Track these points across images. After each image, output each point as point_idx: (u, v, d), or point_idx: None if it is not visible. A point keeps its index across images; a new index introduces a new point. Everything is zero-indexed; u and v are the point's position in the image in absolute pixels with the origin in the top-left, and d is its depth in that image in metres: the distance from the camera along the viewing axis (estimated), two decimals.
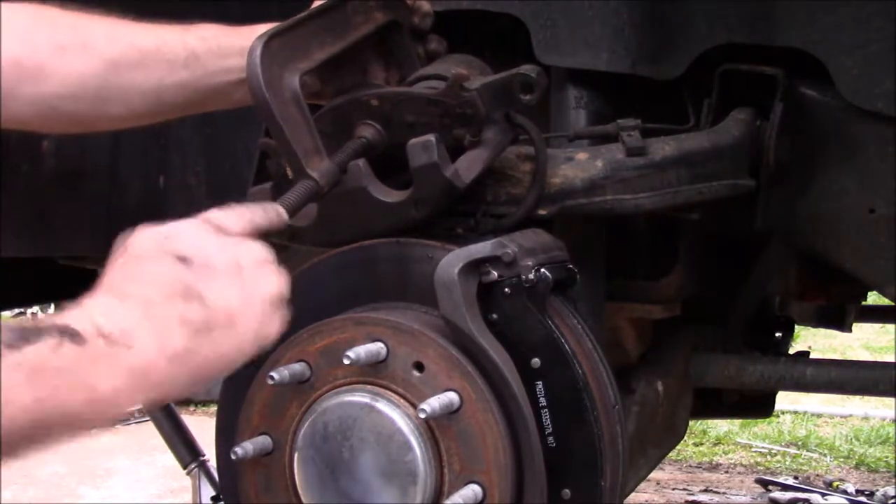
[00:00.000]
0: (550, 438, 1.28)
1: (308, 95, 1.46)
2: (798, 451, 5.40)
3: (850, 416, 6.04)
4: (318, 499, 1.28)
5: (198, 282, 1.05)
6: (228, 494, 1.44)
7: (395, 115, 1.39)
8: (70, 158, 2.04)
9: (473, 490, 1.22)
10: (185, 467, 3.08)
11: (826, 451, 5.40)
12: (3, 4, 1.31)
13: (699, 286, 1.91)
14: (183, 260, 1.05)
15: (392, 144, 1.39)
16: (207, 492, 3.02)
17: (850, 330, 2.72)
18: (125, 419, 5.85)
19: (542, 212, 1.44)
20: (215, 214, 1.12)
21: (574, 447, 1.28)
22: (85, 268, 2.33)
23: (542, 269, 1.29)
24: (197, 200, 1.93)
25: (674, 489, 4.79)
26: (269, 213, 1.17)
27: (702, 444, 5.53)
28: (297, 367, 1.29)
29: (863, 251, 1.60)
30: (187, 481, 3.09)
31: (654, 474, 4.65)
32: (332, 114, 1.43)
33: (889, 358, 5.87)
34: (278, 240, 1.21)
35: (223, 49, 1.42)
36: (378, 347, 1.25)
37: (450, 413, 1.22)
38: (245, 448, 1.30)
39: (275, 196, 1.32)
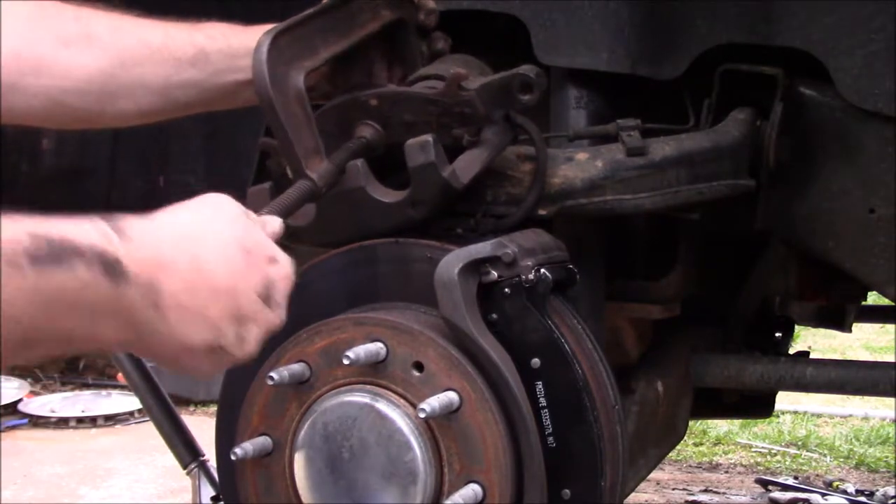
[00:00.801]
0: (550, 438, 1.28)
1: (319, 96, 1.46)
2: (798, 451, 5.40)
3: (850, 416, 6.03)
4: (319, 499, 1.28)
5: (255, 321, 1.05)
6: (229, 495, 1.44)
7: (394, 115, 1.39)
8: (70, 158, 2.04)
9: (473, 490, 1.22)
10: (185, 467, 3.08)
11: (826, 451, 5.40)
12: None
13: (699, 286, 1.91)
14: (266, 297, 1.06)
15: (392, 144, 1.39)
16: (207, 492, 3.01)
17: (850, 330, 2.72)
18: (125, 420, 5.87)
19: (542, 212, 1.44)
20: (263, 221, 1.13)
21: (574, 447, 1.28)
22: None
23: (542, 270, 1.29)
24: None
25: (674, 489, 4.79)
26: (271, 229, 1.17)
27: (702, 444, 5.53)
28: (297, 367, 1.29)
29: (863, 251, 1.60)
30: (187, 481, 3.08)
31: (654, 474, 4.65)
32: (332, 113, 1.43)
33: (889, 358, 5.87)
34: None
35: (233, 48, 1.41)
36: (377, 347, 1.25)
37: (449, 413, 1.23)
38: (245, 449, 1.30)
39: (273, 196, 1.32)
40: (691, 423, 2.32)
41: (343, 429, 1.26)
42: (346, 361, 1.23)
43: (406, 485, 1.23)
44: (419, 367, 1.25)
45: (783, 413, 5.95)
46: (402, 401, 1.25)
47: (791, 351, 2.29)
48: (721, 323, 2.08)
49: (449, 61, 1.51)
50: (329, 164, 1.33)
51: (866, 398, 5.46)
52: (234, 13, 1.59)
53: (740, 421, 5.50)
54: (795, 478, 4.86)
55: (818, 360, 2.01)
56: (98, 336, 0.96)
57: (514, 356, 1.27)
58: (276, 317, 1.08)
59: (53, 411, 5.94)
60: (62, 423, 5.84)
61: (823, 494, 4.54)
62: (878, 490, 4.66)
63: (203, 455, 3.04)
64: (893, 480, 4.88)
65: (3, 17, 1.29)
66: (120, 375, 5.60)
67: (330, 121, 1.42)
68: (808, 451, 5.41)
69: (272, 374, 1.27)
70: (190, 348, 1.02)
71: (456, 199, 1.37)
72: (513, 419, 1.24)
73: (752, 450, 5.48)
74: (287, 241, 1.35)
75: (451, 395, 1.23)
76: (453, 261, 1.26)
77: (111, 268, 0.92)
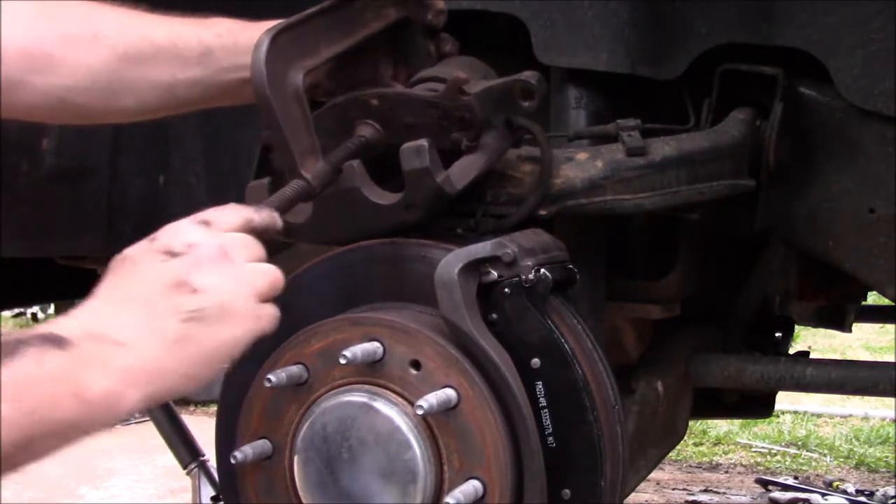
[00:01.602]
0: (550, 438, 1.28)
1: (323, 94, 1.46)
2: (798, 451, 5.40)
3: (850, 416, 6.04)
4: (319, 500, 1.28)
5: (187, 272, 1.06)
6: (229, 496, 1.44)
7: (394, 116, 1.39)
8: (70, 157, 2.04)
9: (474, 486, 1.22)
10: (184, 467, 3.08)
11: (826, 451, 5.40)
12: None
13: (699, 286, 1.91)
14: (171, 253, 1.06)
15: (391, 144, 1.39)
16: (207, 492, 3.02)
17: (850, 330, 2.71)
18: (125, 420, 5.84)
19: (542, 212, 1.44)
20: (207, 212, 1.12)
21: (574, 447, 1.28)
22: (84, 268, 2.33)
23: (542, 270, 1.29)
24: (197, 199, 1.93)
25: (674, 489, 4.79)
26: (261, 213, 1.17)
27: (702, 444, 5.53)
28: (295, 369, 1.29)
29: (863, 251, 1.60)
30: (187, 481, 3.09)
31: (654, 474, 4.65)
32: (333, 111, 1.43)
33: (889, 358, 5.87)
34: (273, 236, 1.21)
35: (238, 46, 1.41)
36: (374, 347, 1.25)
37: (447, 410, 1.23)
38: (244, 452, 1.30)
39: (272, 191, 1.32)
40: (691, 423, 2.32)
41: (342, 429, 1.26)
42: (342, 361, 1.23)
43: (406, 483, 1.23)
44: (416, 365, 1.25)
45: (783, 413, 5.96)
46: (400, 399, 1.25)
47: (791, 351, 2.29)
48: (721, 323, 2.08)
49: (453, 64, 1.51)
50: (325, 165, 1.33)
51: (866, 398, 5.46)
52: (234, 11, 1.59)
53: (740, 421, 5.50)
54: (795, 478, 4.87)
55: (818, 360, 2.01)
56: (91, 403, 0.97)
57: (514, 356, 1.27)
58: (196, 255, 1.07)
59: None
60: None
61: (823, 494, 4.55)
62: (878, 490, 4.67)
63: (203, 455, 3.05)
64: (893, 480, 4.88)
65: (10, 14, 1.28)
66: None
67: (330, 119, 1.42)
68: (808, 451, 5.41)
69: (270, 376, 1.27)
70: (181, 340, 1.03)
71: (450, 204, 1.37)
72: (513, 419, 1.24)
73: (752, 450, 5.48)
74: (284, 238, 1.35)
75: (449, 393, 1.23)
76: (453, 261, 1.26)
77: (54, 339, 0.96)
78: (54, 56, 1.32)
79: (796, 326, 2.41)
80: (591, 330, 1.36)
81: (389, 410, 1.24)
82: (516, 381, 1.25)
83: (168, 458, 3.31)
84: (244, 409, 1.34)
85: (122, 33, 1.36)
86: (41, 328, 0.98)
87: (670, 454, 3.26)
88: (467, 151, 1.37)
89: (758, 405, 2.29)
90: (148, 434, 4.00)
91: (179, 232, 1.09)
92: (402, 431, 1.24)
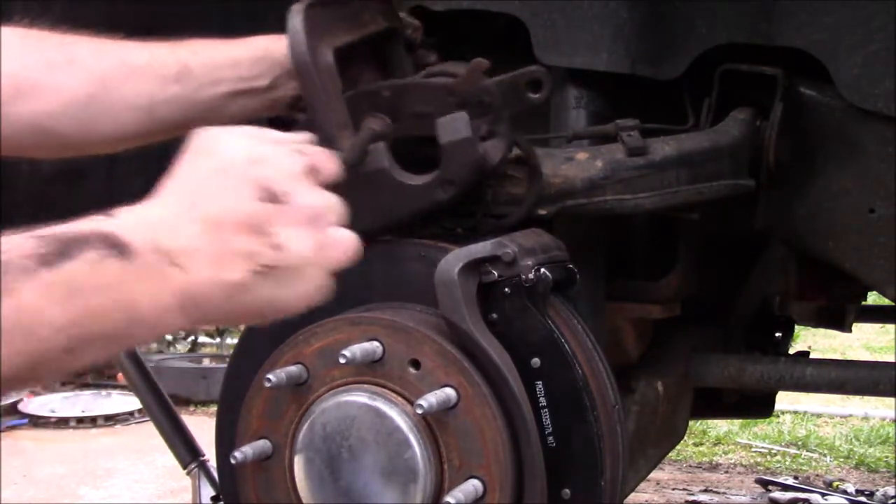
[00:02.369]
0: (550, 438, 1.28)
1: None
2: (798, 451, 5.40)
3: (850, 416, 6.04)
4: (319, 499, 1.28)
5: (276, 222, 1.00)
6: (229, 496, 1.44)
7: (406, 107, 1.37)
8: (70, 158, 2.04)
9: (474, 485, 1.23)
10: (185, 467, 3.08)
11: (826, 451, 5.40)
12: None
13: (699, 286, 1.91)
14: (268, 194, 1.01)
15: (400, 138, 1.37)
16: (207, 492, 3.01)
17: (850, 330, 2.72)
18: (125, 420, 5.87)
19: (542, 212, 1.44)
20: (313, 150, 1.08)
21: (574, 447, 1.28)
22: None
23: (542, 269, 1.29)
24: None
25: (674, 489, 4.79)
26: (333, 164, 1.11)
27: (702, 444, 5.53)
28: (294, 369, 1.29)
29: (863, 251, 1.60)
30: (187, 481, 3.08)
31: (654, 474, 4.65)
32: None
33: (889, 358, 5.86)
34: None
35: (215, 61, 1.39)
36: (374, 346, 1.25)
37: (447, 409, 1.23)
38: (244, 453, 1.30)
39: None
40: (691, 423, 2.32)
41: (342, 429, 1.26)
42: (342, 361, 1.23)
43: (406, 482, 1.23)
44: (416, 364, 1.25)
45: (783, 413, 5.96)
46: (399, 399, 1.25)
47: (791, 351, 2.29)
48: (721, 323, 2.08)
49: (449, 65, 1.51)
50: (357, 140, 1.30)
51: (866, 398, 5.46)
52: (234, 13, 1.59)
53: (740, 421, 5.50)
54: (795, 478, 4.86)
55: (818, 360, 2.01)
56: (139, 319, 0.93)
57: (514, 356, 1.27)
58: (291, 208, 1.02)
59: (53, 411, 5.96)
60: (62, 423, 5.85)
61: (823, 494, 4.55)
62: (878, 490, 4.67)
63: (203, 455, 3.04)
64: (893, 480, 4.88)
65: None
66: (120, 375, 5.61)
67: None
68: (808, 451, 5.41)
69: (269, 376, 1.27)
70: (241, 286, 0.98)
71: (484, 182, 1.35)
72: (513, 418, 1.24)
73: (752, 450, 5.48)
74: None
75: (449, 392, 1.23)
76: (453, 260, 1.26)
77: (116, 244, 0.91)
78: (32, 81, 1.31)
79: (796, 326, 2.41)
80: (591, 330, 1.36)
81: (389, 410, 1.24)
82: (516, 380, 1.25)
83: (168, 458, 3.31)
84: (244, 409, 1.34)
85: (99, 58, 1.35)
86: (106, 223, 0.92)
87: (670, 454, 3.26)
88: (486, 138, 1.36)
89: (758, 405, 2.29)
90: (148, 434, 4.00)
91: (283, 171, 1.03)
92: (401, 431, 1.24)
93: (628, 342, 1.95)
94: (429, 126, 1.33)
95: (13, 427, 5.76)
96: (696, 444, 5.49)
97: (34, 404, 6.05)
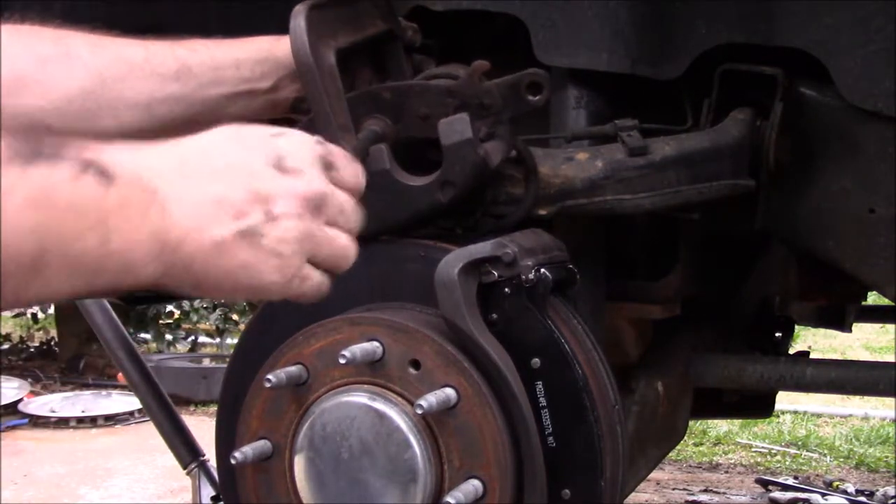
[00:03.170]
0: (550, 438, 1.28)
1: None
2: (798, 451, 5.40)
3: (850, 416, 6.04)
4: (319, 500, 1.28)
5: (277, 193, 0.97)
6: (229, 496, 1.44)
7: (407, 108, 1.37)
8: None
9: (474, 485, 1.23)
10: (185, 467, 3.08)
11: (826, 451, 5.40)
12: None
13: (699, 286, 1.91)
14: (279, 165, 0.98)
15: (402, 139, 1.37)
16: (207, 492, 3.01)
17: (850, 330, 2.72)
18: (125, 420, 5.87)
19: (542, 212, 1.44)
20: (334, 151, 1.05)
21: (574, 447, 1.28)
22: None
23: (542, 270, 1.29)
24: None
25: (674, 489, 4.79)
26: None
27: (702, 444, 5.53)
28: (294, 369, 1.29)
29: (863, 251, 1.60)
30: (187, 481, 3.08)
31: (654, 474, 4.65)
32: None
33: (889, 358, 5.87)
34: None
35: (216, 60, 1.38)
36: (374, 346, 1.25)
37: (447, 409, 1.23)
38: (244, 453, 1.29)
39: None
40: (691, 423, 2.32)
41: (342, 429, 1.26)
42: (342, 361, 1.22)
43: (406, 483, 1.23)
44: (416, 364, 1.25)
45: (783, 413, 5.96)
46: (399, 399, 1.25)
47: (791, 351, 2.29)
48: (721, 323, 2.08)
49: (449, 67, 1.51)
50: (359, 142, 1.30)
51: (866, 398, 5.46)
52: (233, 13, 1.59)
53: (740, 421, 5.50)
54: (795, 478, 4.86)
55: (818, 360, 2.01)
56: (111, 251, 0.87)
57: (514, 356, 1.27)
58: (303, 184, 1.00)
59: (53, 411, 5.95)
60: (62, 423, 5.85)
61: (823, 494, 4.54)
62: (878, 490, 4.66)
63: (203, 455, 3.04)
64: (893, 480, 4.88)
65: None
66: (120, 375, 5.61)
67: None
68: (808, 451, 5.41)
69: (269, 376, 1.27)
70: (221, 244, 0.94)
71: (484, 183, 1.34)
72: (513, 419, 1.24)
73: (752, 450, 5.48)
74: None
75: (449, 392, 1.23)
76: (453, 261, 1.26)
77: (98, 168, 0.86)
78: (28, 77, 1.28)
79: (796, 326, 2.41)
80: (591, 330, 1.36)
81: (389, 410, 1.24)
82: (516, 380, 1.25)
83: (168, 458, 3.30)
84: (244, 409, 1.34)
85: (96, 53, 1.33)
86: (89, 148, 0.87)
87: (670, 454, 3.26)
88: (486, 140, 1.36)
89: (758, 405, 2.29)
90: (148, 434, 4.00)
91: (300, 149, 1.01)
92: (401, 431, 1.24)
93: (628, 342, 1.95)
94: (429, 128, 1.34)
95: (13, 427, 5.76)
96: (696, 444, 5.49)
97: (34, 404, 6.05)
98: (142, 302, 3.55)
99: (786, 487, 4.66)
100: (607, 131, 1.53)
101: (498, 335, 1.27)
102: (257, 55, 1.40)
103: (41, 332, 8.36)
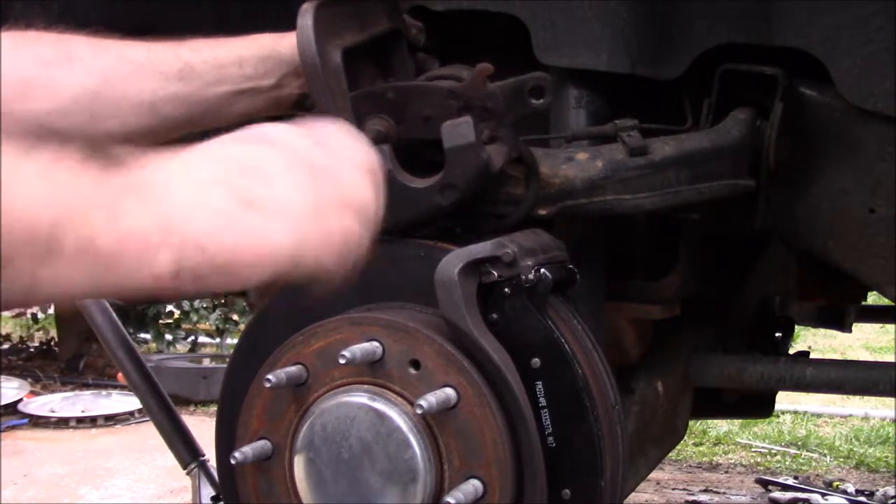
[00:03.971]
0: (550, 438, 1.28)
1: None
2: (798, 451, 5.40)
3: (850, 416, 6.04)
4: (319, 500, 1.28)
5: (272, 163, 0.96)
6: (229, 496, 1.44)
7: (410, 109, 1.37)
8: None
9: (474, 485, 1.22)
10: (185, 467, 3.08)
11: (826, 451, 5.40)
12: None
13: (699, 286, 1.91)
14: (263, 141, 0.98)
15: (404, 140, 1.37)
16: (207, 492, 3.01)
17: (850, 330, 2.72)
18: (125, 421, 5.87)
19: (542, 212, 1.44)
20: (313, 123, 1.05)
21: (574, 447, 1.28)
22: None
23: (542, 270, 1.29)
24: None
25: (674, 489, 4.79)
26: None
27: (702, 444, 5.53)
28: (294, 369, 1.29)
29: (863, 251, 1.60)
30: (187, 481, 3.08)
31: (654, 474, 4.65)
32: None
33: (889, 358, 5.87)
34: None
35: (219, 59, 1.38)
36: (373, 346, 1.25)
37: (447, 409, 1.22)
38: (244, 453, 1.29)
39: None
40: (691, 423, 2.32)
41: (342, 429, 1.26)
42: (342, 361, 1.22)
43: (406, 482, 1.23)
44: (416, 364, 1.25)
45: (783, 413, 5.96)
46: (399, 399, 1.25)
47: (791, 351, 2.29)
48: (721, 323, 2.08)
49: (453, 68, 1.51)
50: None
51: (866, 398, 5.46)
52: (231, 13, 1.59)
53: (740, 421, 5.51)
54: (795, 478, 4.86)
55: (818, 360, 2.01)
56: (121, 232, 0.85)
57: (514, 356, 1.27)
58: (289, 147, 0.98)
59: (53, 411, 5.96)
60: (62, 423, 5.85)
61: (823, 494, 4.55)
62: (878, 490, 4.67)
63: (203, 455, 3.04)
64: (893, 480, 4.88)
65: None
66: (120, 375, 5.62)
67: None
68: (808, 451, 5.41)
69: (269, 376, 1.27)
70: (225, 215, 0.92)
71: (487, 185, 1.35)
72: (513, 419, 1.24)
73: (752, 450, 5.48)
74: None
75: (449, 392, 1.23)
76: (453, 261, 1.26)
77: (101, 154, 0.86)
78: (32, 81, 1.28)
79: (796, 326, 2.41)
80: (591, 330, 1.36)
81: (389, 410, 1.24)
82: (516, 380, 1.25)
83: (168, 458, 3.31)
84: (244, 409, 1.34)
85: (98, 55, 1.33)
86: (91, 144, 0.87)
87: (670, 454, 3.26)
88: (488, 142, 1.36)
89: (758, 405, 2.29)
90: (148, 434, 4.00)
91: (282, 129, 1.00)
92: (401, 431, 1.24)
93: (628, 342, 1.95)
94: (431, 129, 1.34)
95: (13, 427, 5.76)
96: (696, 444, 5.49)
97: (34, 404, 6.05)
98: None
99: (786, 487, 4.67)
100: (607, 131, 1.53)
101: (498, 335, 1.27)
102: (260, 53, 1.39)
103: (41, 332, 8.37)
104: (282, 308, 1.41)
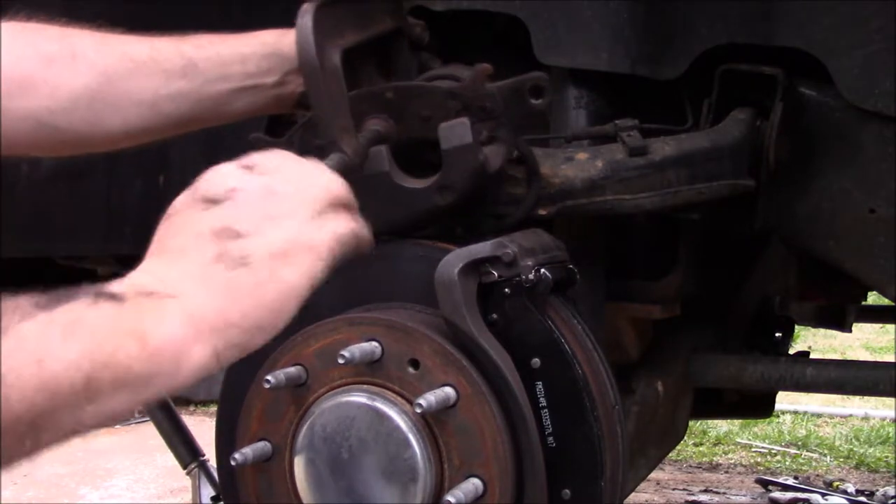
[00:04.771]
0: (550, 438, 1.28)
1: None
2: (798, 451, 5.40)
3: (850, 416, 6.04)
4: (319, 500, 1.28)
5: (229, 217, 0.99)
6: (229, 497, 1.44)
7: (409, 109, 1.37)
8: (69, 158, 2.04)
9: (474, 484, 1.22)
10: (185, 467, 3.08)
11: (826, 451, 5.40)
12: None
13: (699, 286, 1.91)
14: (211, 201, 1.00)
15: (403, 140, 1.37)
16: (207, 492, 3.02)
17: (850, 330, 2.72)
18: (126, 421, 5.87)
19: (542, 212, 1.44)
20: (251, 156, 1.07)
21: (574, 447, 1.28)
22: (84, 268, 2.33)
23: (542, 270, 1.29)
24: None
25: (674, 489, 4.79)
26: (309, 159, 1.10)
27: (702, 444, 5.54)
28: (293, 370, 1.29)
29: (863, 251, 1.60)
30: (187, 481, 3.09)
31: (654, 474, 4.66)
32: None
33: (889, 358, 5.87)
34: None
35: (222, 56, 1.38)
36: (372, 346, 1.25)
37: (446, 408, 1.22)
38: (244, 454, 1.29)
39: None
40: (691, 423, 2.32)
41: (341, 429, 1.26)
42: (341, 361, 1.22)
43: (406, 482, 1.23)
44: (415, 364, 1.25)
45: (783, 413, 5.96)
46: (399, 398, 1.25)
47: (791, 351, 2.29)
48: (721, 323, 2.08)
49: (452, 67, 1.51)
50: (360, 143, 1.30)
51: (866, 398, 5.47)
52: (233, 13, 1.58)
53: (740, 421, 5.51)
54: (795, 478, 4.87)
55: (818, 360, 2.01)
56: (154, 350, 0.90)
57: (514, 356, 1.27)
58: (224, 210, 1.01)
59: None
60: None
61: (823, 494, 4.55)
62: (878, 490, 4.67)
63: (203, 455, 3.05)
64: (893, 480, 4.88)
65: None
66: None
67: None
68: (808, 451, 5.41)
69: (269, 377, 1.27)
70: (230, 287, 0.96)
71: (483, 186, 1.35)
72: (513, 419, 1.24)
73: (752, 450, 5.48)
74: None
75: (448, 391, 1.23)
76: (453, 261, 1.26)
77: (106, 293, 0.90)
78: (34, 78, 1.28)
79: (796, 326, 2.41)
80: (591, 330, 1.35)
81: (389, 410, 1.24)
82: (516, 381, 1.25)
83: (168, 458, 3.31)
84: (244, 410, 1.34)
85: (101, 52, 1.33)
86: (88, 287, 0.90)
87: (670, 454, 3.26)
88: (486, 143, 1.36)
89: (758, 405, 2.29)
90: (148, 434, 4.00)
91: (219, 176, 1.03)
92: (401, 430, 1.24)
93: (628, 342, 1.95)
94: (431, 129, 1.34)
95: None
96: (696, 444, 5.50)
97: None
98: None
99: (786, 487, 4.67)
100: (607, 131, 1.53)
101: (498, 335, 1.27)
102: (263, 50, 1.39)
103: None
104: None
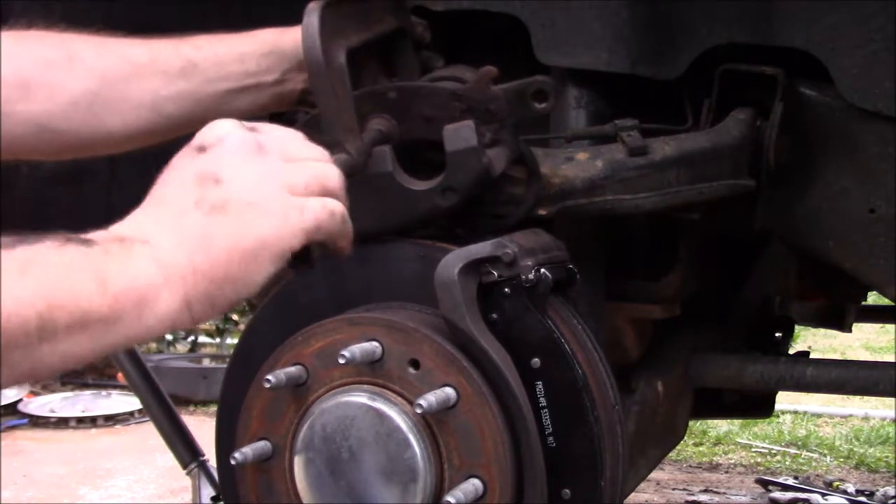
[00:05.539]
0: (550, 438, 1.28)
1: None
2: (798, 451, 5.40)
3: (850, 416, 6.04)
4: (319, 500, 1.28)
5: (213, 163, 0.99)
6: (229, 496, 1.44)
7: (412, 109, 1.37)
8: (72, 159, 2.04)
9: (474, 484, 1.22)
10: (185, 467, 3.08)
11: (826, 451, 5.40)
12: None
13: (699, 286, 1.91)
14: (200, 149, 1.01)
15: (405, 140, 1.37)
16: (207, 492, 3.02)
17: (850, 330, 2.72)
18: (126, 421, 5.87)
19: (542, 212, 1.44)
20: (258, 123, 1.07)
21: (574, 447, 1.28)
22: None
23: (542, 270, 1.29)
24: None
25: (674, 489, 4.79)
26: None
27: (702, 444, 5.53)
28: (293, 370, 1.29)
29: (863, 251, 1.60)
30: (187, 481, 3.09)
31: (654, 474, 4.65)
32: None
33: (889, 358, 5.87)
34: None
35: (221, 56, 1.39)
36: (373, 346, 1.25)
37: (447, 408, 1.22)
38: (244, 454, 1.29)
39: None
40: (691, 423, 2.32)
41: (341, 429, 1.26)
42: (341, 361, 1.22)
43: (406, 482, 1.23)
44: (415, 364, 1.25)
45: (783, 413, 5.96)
46: (399, 399, 1.25)
47: (791, 351, 2.29)
48: (721, 323, 2.08)
49: (456, 68, 1.51)
50: (363, 144, 1.30)
51: (866, 398, 5.46)
52: (233, 13, 1.58)
53: (740, 421, 5.51)
54: (795, 478, 4.86)
55: (818, 360, 2.01)
56: (117, 293, 0.88)
57: (514, 356, 1.26)
58: (231, 141, 1.02)
59: (53, 411, 5.96)
60: (62, 423, 5.85)
61: (823, 494, 4.55)
62: (878, 490, 4.67)
63: (203, 455, 3.05)
64: (893, 480, 4.88)
65: None
66: (120, 375, 5.62)
67: None
68: (808, 451, 5.41)
69: (269, 377, 1.27)
70: (203, 234, 0.96)
71: (486, 189, 1.35)
72: (513, 419, 1.24)
73: (752, 450, 5.48)
74: None
75: (448, 391, 1.23)
76: (453, 261, 1.26)
77: (76, 238, 0.90)
78: (33, 82, 1.29)
79: (796, 326, 2.41)
80: (591, 330, 1.35)
81: (389, 410, 1.24)
82: (516, 380, 1.25)
83: (168, 458, 3.31)
84: (244, 410, 1.34)
85: (99, 55, 1.34)
86: (63, 233, 0.91)
87: (670, 454, 3.26)
88: (490, 145, 1.36)
89: (758, 405, 2.29)
90: (148, 434, 4.01)
91: (216, 126, 1.03)
92: (401, 431, 1.23)
93: (628, 342, 1.95)
94: (433, 130, 1.34)
95: (13, 427, 5.76)
96: (696, 444, 5.49)
97: (34, 404, 6.05)
98: None
99: (786, 487, 4.67)
100: (607, 131, 1.53)
101: (498, 335, 1.27)
102: (262, 48, 1.40)
103: None
104: (281, 308, 1.41)
